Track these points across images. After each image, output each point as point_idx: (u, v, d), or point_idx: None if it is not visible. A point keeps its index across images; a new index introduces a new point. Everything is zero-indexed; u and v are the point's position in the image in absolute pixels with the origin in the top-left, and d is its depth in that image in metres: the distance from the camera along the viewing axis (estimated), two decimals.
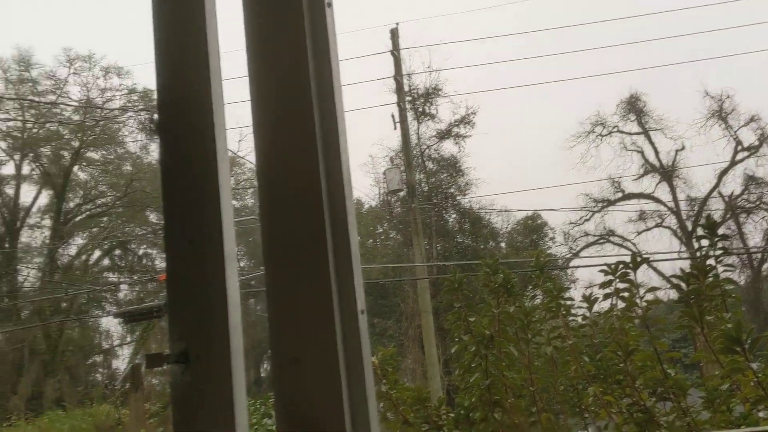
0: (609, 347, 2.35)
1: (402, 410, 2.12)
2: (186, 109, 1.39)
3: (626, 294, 2.47)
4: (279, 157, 1.29)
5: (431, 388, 10.49)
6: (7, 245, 16.16)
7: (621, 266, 2.45)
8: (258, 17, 1.37)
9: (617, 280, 2.50)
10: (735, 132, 19.99)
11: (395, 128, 12.68)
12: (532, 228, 19.16)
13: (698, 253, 2.57)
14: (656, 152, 20.79)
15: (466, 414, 2.10)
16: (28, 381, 13.84)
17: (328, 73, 1.32)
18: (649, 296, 2.44)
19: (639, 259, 2.40)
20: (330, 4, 1.37)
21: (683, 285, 2.44)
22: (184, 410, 1.26)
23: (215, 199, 1.33)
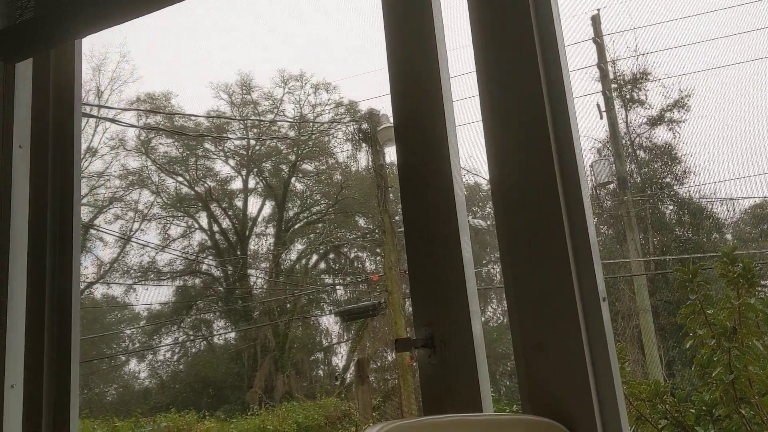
0: None
1: (636, 405, 2.05)
2: (419, 119, 1.48)
3: None
4: (512, 150, 1.33)
5: None
6: (238, 252, 17.90)
7: None
8: (483, 14, 1.42)
9: None
10: None
11: (601, 118, 12.16)
12: (762, 217, 17.25)
13: None
14: None
15: (708, 410, 1.98)
16: (261, 375, 15.21)
17: (556, 60, 1.34)
18: None
19: None
20: None
21: None
22: (433, 392, 1.35)
23: (450, 197, 1.40)
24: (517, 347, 1.25)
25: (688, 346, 2.41)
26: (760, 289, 2.46)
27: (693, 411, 2.00)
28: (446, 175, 1.41)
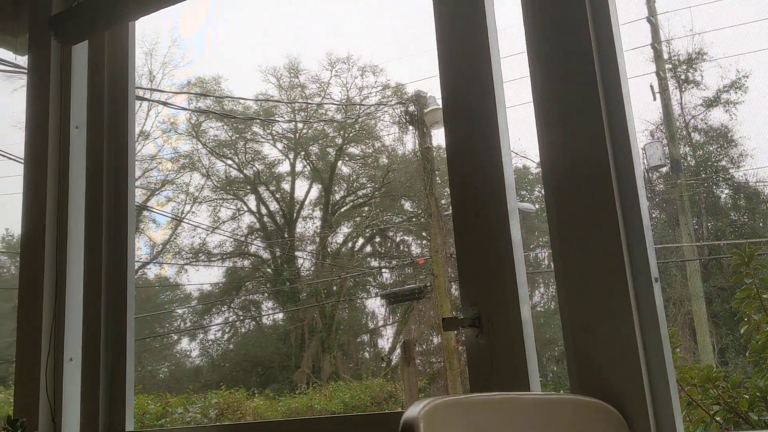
0: None
1: (688, 390, 2.02)
2: (468, 101, 1.46)
3: None
4: (563, 132, 1.31)
5: None
6: (286, 235, 18.13)
7: None
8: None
9: None
10: None
11: (654, 99, 11.85)
12: None
13: None
14: None
15: (763, 396, 1.93)
16: (309, 356, 15.44)
17: (609, 40, 1.31)
18: None
19: None
20: None
21: None
22: (480, 370, 1.35)
23: (500, 180, 1.39)
24: (566, 327, 1.25)
25: (742, 332, 2.35)
26: None
27: (747, 397, 1.96)
28: (495, 158, 1.40)
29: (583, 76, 1.29)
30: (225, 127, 17.90)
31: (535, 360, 1.31)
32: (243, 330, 17.76)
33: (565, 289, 1.26)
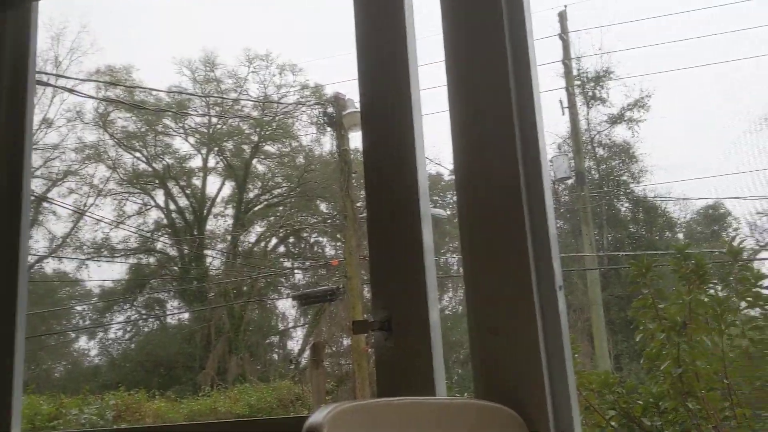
0: None
1: (586, 395, 2.10)
2: (386, 105, 1.46)
3: None
4: (477, 141, 1.33)
5: None
6: (195, 232, 17.67)
7: None
8: (454, 3, 1.41)
9: None
10: None
11: (563, 114, 12.32)
12: (714, 218, 17.74)
13: None
14: None
15: (655, 402, 2.03)
16: (214, 357, 15.10)
17: (524, 54, 1.34)
18: None
19: None
20: None
21: None
22: (388, 374, 1.35)
23: (414, 185, 1.40)
24: (472, 331, 1.26)
25: (638, 339, 2.47)
26: (711, 286, 2.53)
27: (640, 403, 2.05)
28: (411, 163, 1.40)
29: (498, 87, 1.32)
30: (134, 118, 17.25)
31: (442, 364, 1.32)
32: (146, 329, 17.16)
33: (473, 294, 1.28)
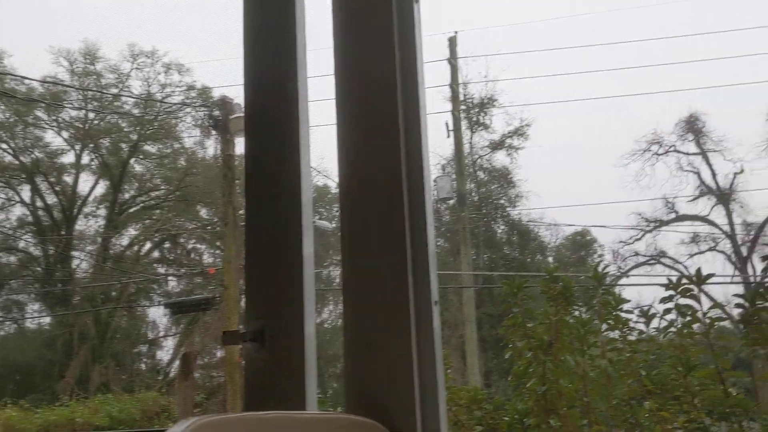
0: (668, 362, 2.32)
1: (455, 411, 2.13)
2: (272, 112, 1.43)
3: (688, 310, 2.44)
4: (362, 155, 1.33)
5: None
6: (63, 232, 16.65)
7: (684, 281, 2.41)
8: (346, 15, 1.40)
9: (678, 295, 2.47)
10: None
11: (448, 136, 12.70)
12: (581, 244, 18.87)
13: (761, 275, 2.52)
14: (713, 174, 20.22)
15: (521, 418, 2.10)
16: (76, 365, 14.23)
17: (413, 72, 1.35)
18: (712, 313, 2.40)
19: (703, 275, 2.36)
20: (417, 0, 1.40)
21: (746, 305, 2.40)
22: (257, 388, 1.31)
23: (296, 195, 1.37)
24: (348, 346, 1.25)
25: (507, 357, 2.55)
26: (576, 308, 2.67)
27: (506, 419, 2.12)
28: (294, 173, 1.38)
29: (386, 105, 1.32)
30: (2, 107, 16.07)
31: (315, 378, 1.30)
32: (2, 332, 15.93)
33: (350, 307, 1.26)
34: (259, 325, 1.32)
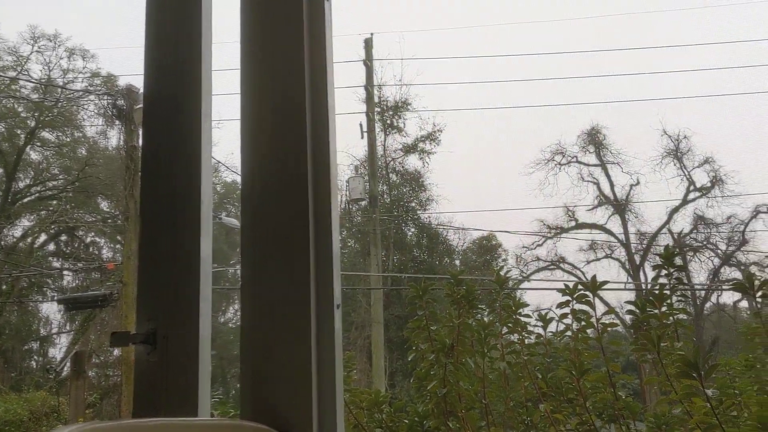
0: (563, 366, 2.40)
1: (356, 414, 2.12)
2: (173, 101, 1.38)
3: (582, 315, 2.53)
4: (267, 151, 1.29)
5: None
6: None
7: (580, 287, 2.50)
8: (255, 9, 1.36)
9: (574, 301, 2.55)
10: (689, 172, 20.64)
11: (362, 137, 12.72)
12: (487, 248, 19.39)
13: (652, 282, 2.65)
14: (611, 185, 21.29)
15: (420, 421, 2.11)
16: None
17: (322, 71, 1.33)
18: (605, 319, 2.50)
19: (598, 282, 2.46)
20: None
21: (637, 311, 2.51)
22: (148, 392, 1.25)
23: (195, 191, 1.32)
24: (245, 349, 1.21)
25: (410, 359, 2.56)
26: (479, 311, 2.71)
27: (406, 422, 2.13)
28: (194, 168, 1.33)
29: (293, 102, 1.29)
30: None
31: (208, 381, 1.25)
32: None
33: (249, 310, 1.22)
34: (151, 326, 1.27)
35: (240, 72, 1.34)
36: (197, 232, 1.29)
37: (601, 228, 20.88)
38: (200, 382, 1.23)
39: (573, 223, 21.02)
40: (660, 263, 2.63)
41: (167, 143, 1.35)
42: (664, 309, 2.38)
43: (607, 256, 20.70)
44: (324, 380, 1.19)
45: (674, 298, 2.51)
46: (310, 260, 1.22)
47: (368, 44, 13.05)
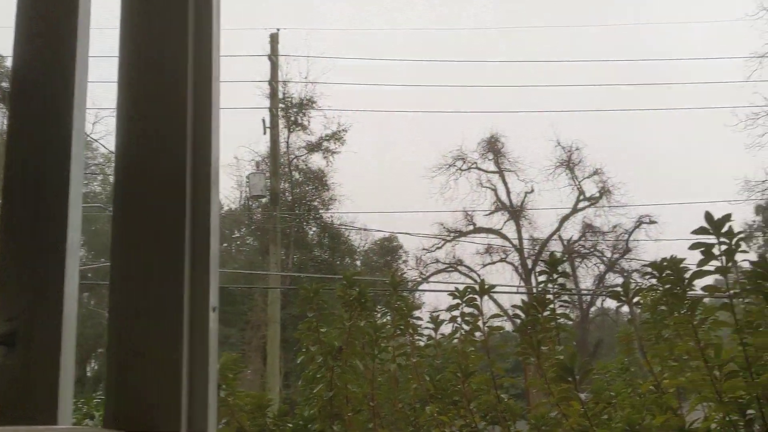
0: (449, 368, 2.43)
1: (239, 417, 2.06)
2: (44, 83, 1.29)
3: (471, 318, 2.58)
4: (143, 144, 1.22)
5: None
6: None
7: (469, 291, 2.55)
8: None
9: (464, 304, 2.60)
10: (579, 182, 21.69)
11: (264, 133, 12.52)
12: (388, 249, 19.59)
13: (539, 287, 2.74)
14: (508, 192, 22.07)
15: (305, 425, 2.08)
16: None
17: (207, 61, 1.28)
18: (492, 323, 2.56)
19: (486, 286, 2.51)
20: None
21: (522, 315, 2.58)
22: (5, 396, 1.15)
23: (64, 180, 1.24)
24: (111, 353, 1.14)
25: (299, 361, 2.53)
26: (371, 312, 2.71)
27: (291, 425, 2.09)
28: (63, 160, 1.24)
29: (174, 93, 1.23)
30: None
31: (71, 386, 1.17)
32: None
33: (116, 312, 1.16)
34: (11, 327, 1.17)
35: (118, 60, 1.27)
36: (63, 228, 1.21)
37: (497, 233, 21.58)
38: (61, 387, 1.15)
39: (471, 227, 21.60)
40: (545, 269, 2.72)
41: (34, 132, 1.26)
42: (546, 313, 2.47)
43: (501, 260, 21.41)
44: (196, 384, 1.14)
45: (557, 303, 2.61)
46: (185, 259, 1.17)
47: (274, 39, 12.85)
